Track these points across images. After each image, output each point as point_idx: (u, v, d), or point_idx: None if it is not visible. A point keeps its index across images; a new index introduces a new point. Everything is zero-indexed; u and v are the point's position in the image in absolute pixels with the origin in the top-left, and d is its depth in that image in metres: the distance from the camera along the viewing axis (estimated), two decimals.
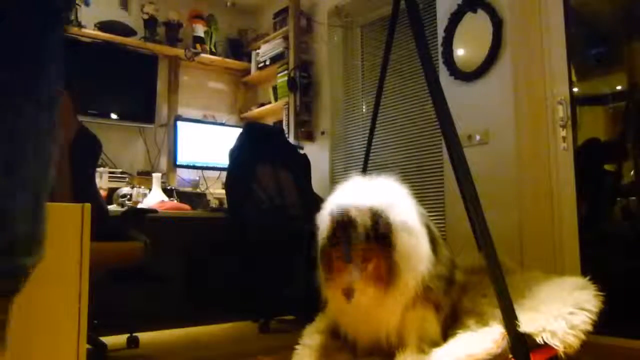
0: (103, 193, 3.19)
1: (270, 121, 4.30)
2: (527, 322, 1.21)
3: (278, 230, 2.99)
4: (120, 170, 3.66)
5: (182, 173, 4.08)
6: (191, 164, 3.99)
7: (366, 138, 3.56)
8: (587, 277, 1.45)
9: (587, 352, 2.22)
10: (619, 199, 2.67)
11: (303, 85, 3.89)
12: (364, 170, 2.12)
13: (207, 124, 4.18)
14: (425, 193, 3.01)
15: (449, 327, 1.42)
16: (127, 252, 2.39)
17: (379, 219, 1.27)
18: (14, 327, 1.01)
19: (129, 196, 3.34)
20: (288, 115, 3.96)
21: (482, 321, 1.36)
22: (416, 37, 1.55)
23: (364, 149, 3.49)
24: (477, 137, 2.68)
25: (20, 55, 0.71)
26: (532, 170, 2.54)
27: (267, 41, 4.25)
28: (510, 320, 1.19)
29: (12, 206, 0.70)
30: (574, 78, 2.59)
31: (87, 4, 3.67)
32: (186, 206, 3.43)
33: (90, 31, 3.70)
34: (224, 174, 3.69)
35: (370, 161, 2.30)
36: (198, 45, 4.18)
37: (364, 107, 3.69)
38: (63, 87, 0.78)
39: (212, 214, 3.53)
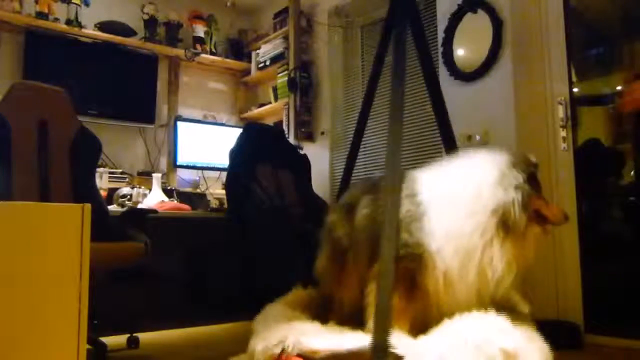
0: (103, 193, 3.19)
1: (270, 121, 4.30)
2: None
3: (278, 230, 2.99)
4: (120, 170, 3.66)
5: (182, 173, 4.08)
6: (191, 164, 3.99)
7: (367, 138, 3.58)
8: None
9: (587, 352, 2.23)
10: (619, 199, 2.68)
11: (303, 86, 3.89)
12: (347, 176, 2.11)
13: (207, 124, 4.18)
14: None
15: None
16: (127, 252, 2.38)
17: None
18: (13, 327, 1.01)
19: (129, 196, 3.34)
20: (288, 115, 3.96)
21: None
22: (416, 39, 1.55)
23: (364, 149, 3.51)
24: (477, 138, 2.68)
25: None
26: None
27: (267, 41, 4.25)
28: (379, 330, 1.18)
29: None
30: (574, 78, 2.59)
31: (87, 4, 3.67)
32: (186, 206, 3.43)
33: (90, 31, 3.70)
34: (224, 174, 3.69)
35: (370, 161, 2.30)
36: (198, 46, 4.19)
37: None
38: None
39: (212, 214, 3.53)
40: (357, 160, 3.58)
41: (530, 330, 1.28)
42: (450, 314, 1.28)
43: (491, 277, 1.26)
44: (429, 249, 1.27)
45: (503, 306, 1.33)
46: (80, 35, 3.66)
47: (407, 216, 1.31)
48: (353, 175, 2.13)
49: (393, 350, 1.15)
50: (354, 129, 3.79)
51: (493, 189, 1.29)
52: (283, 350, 1.32)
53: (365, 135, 3.58)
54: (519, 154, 1.39)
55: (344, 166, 2.19)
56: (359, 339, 1.23)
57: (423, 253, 1.28)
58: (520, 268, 1.28)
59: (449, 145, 1.85)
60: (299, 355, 1.29)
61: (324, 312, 1.53)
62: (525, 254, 1.30)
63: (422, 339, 1.24)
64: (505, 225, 1.26)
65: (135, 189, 3.41)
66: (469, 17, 2.81)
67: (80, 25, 3.63)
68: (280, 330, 1.39)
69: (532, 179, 1.34)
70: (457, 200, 1.30)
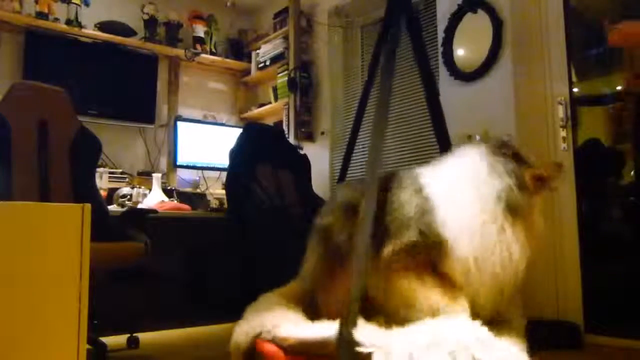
0: (103, 193, 3.19)
1: (270, 121, 4.30)
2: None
3: (278, 230, 2.99)
4: (120, 170, 3.66)
5: (182, 173, 4.08)
6: (191, 164, 3.99)
7: (366, 138, 3.58)
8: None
9: (587, 352, 2.23)
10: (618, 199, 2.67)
11: (303, 86, 3.89)
12: (344, 176, 2.12)
13: (207, 124, 4.18)
14: None
15: None
16: (127, 252, 2.39)
17: None
18: (13, 327, 1.01)
19: (129, 196, 3.34)
20: (288, 115, 3.96)
21: None
22: (413, 39, 1.56)
23: (364, 149, 3.51)
24: (477, 138, 2.68)
25: None
26: None
27: (267, 41, 4.26)
28: (346, 321, 1.17)
29: None
30: (574, 78, 2.59)
31: (87, 4, 3.67)
32: (186, 206, 3.43)
33: (90, 31, 3.70)
34: (224, 174, 3.69)
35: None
36: (198, 46, 4.19)
37: None
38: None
39: (212, 214, 3.53)
40: (356, 160, 3.58)
41: (518, 346, 1.25)
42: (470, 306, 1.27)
43: (509, 264, 1.25)
44: (444, 238, 1.27)
45: (502, 313, 1.33)
46: (80, 35, 3.67)
47: (418, 210, 1.31)
48: (350, 175, 2.14)
49: (359, 349, 1.14)
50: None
51: (490, 179, 1.30)
52: (260, 335, 1.35)
53: (362, 135, 3.59)
54: (491, 140, 1.40)
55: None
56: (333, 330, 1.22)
57: (441, 242, 1.27)
58: (532, 250, 1.29)
59: (444, 144, 1.87)
60: (272, 341, 1.32)
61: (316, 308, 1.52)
62: (535, 234, 1.30)
63: (395, 334, 1.20)
64: (511, 209, 1.27)
65: (135, 189, 3.41)
66: (469, 17, 2.81)
67: (80, 25, 3.63)
68: (263, 317, 1.40)
69: (515, 156, 1.36)
70: (461, 194, 1.31)
